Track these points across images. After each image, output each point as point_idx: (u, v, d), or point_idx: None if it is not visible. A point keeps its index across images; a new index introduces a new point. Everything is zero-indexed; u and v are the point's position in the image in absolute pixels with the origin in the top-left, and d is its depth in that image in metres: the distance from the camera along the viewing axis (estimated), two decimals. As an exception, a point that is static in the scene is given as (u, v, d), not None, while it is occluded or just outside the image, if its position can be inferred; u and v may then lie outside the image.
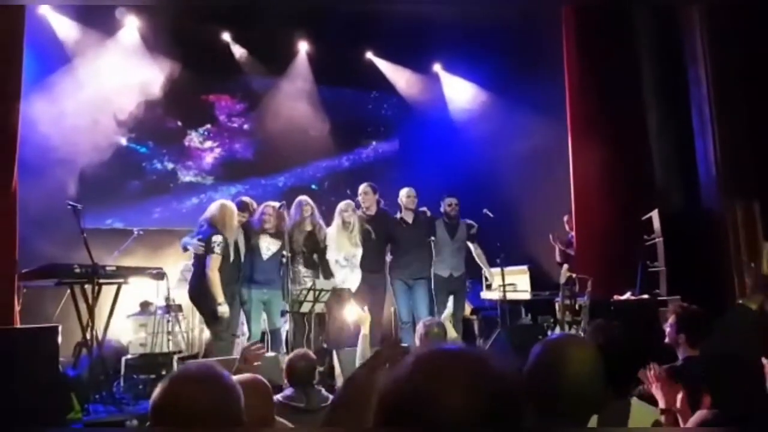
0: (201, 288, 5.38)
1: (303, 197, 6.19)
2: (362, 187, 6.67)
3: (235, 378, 1.50)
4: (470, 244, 6.77)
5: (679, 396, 2.12)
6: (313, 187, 9.30)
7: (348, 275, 6.18)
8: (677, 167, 6.34)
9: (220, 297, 5.28)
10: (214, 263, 5.30)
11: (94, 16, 7.54)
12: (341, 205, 6.38)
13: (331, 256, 6.14)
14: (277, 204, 5.84)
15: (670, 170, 6.41)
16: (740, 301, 1.76)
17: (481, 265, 6.88)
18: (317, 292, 5.32)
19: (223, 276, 5.40)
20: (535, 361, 1.53)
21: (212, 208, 5.59)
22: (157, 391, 1.36)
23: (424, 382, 0.90)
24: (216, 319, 5.34)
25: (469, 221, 6.75)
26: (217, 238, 5.35)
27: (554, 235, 7.48)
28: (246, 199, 6.17)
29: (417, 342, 3.39)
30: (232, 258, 5.56)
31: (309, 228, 6.01)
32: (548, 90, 7.38)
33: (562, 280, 6.84)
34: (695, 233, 5.73)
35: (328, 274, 6.07)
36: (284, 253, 5.56)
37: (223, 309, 5.28)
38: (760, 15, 5.37)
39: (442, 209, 6.68)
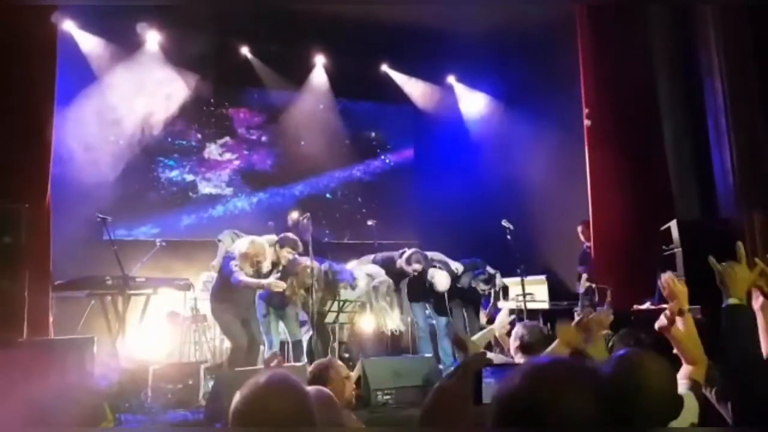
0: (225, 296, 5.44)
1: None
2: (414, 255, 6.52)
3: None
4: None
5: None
6: (328, 196, 9.45)
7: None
8: (694, 177, 6.36)
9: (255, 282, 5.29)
10: (240, 275, 5.26)
11: (116, 31, 7.71)
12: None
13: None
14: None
15: (687, 180, 6.43)
16: (730, 302, 1.78)
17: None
18: (342, 303, 5.39)
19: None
20: (611, 375, 1.60)
21: (242, 245, 5.50)
22: (237, 397, 1.45)
23: (539, 389, 1.01)
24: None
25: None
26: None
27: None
28: (290, 235, 5.85)
29: (512, 347, 3.32)
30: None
31: (306, 279, 5.56)
32: (563, 100, 7.39)
33: (582, 290, 6.88)
34: (713, 243, 5.72)
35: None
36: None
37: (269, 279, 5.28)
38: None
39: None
